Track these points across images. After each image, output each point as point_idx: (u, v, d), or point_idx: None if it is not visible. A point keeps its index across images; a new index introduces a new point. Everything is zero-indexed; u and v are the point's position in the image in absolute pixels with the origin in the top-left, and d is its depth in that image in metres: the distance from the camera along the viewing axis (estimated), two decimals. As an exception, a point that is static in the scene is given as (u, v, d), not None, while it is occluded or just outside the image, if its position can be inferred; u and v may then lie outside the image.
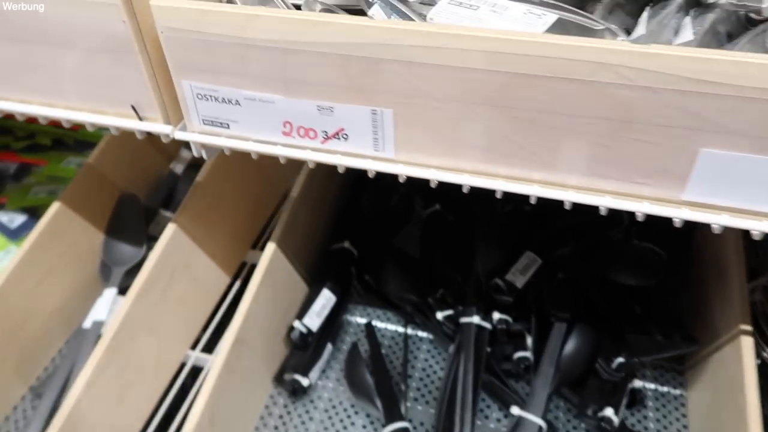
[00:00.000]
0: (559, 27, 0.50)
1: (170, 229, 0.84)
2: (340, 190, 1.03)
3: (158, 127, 0.61)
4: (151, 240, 0.98)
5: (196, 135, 0.61)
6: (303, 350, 0.86)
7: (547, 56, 0.46)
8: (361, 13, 0.58)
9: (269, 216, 1.07)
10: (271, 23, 0.50)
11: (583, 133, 0.49)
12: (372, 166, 0.57)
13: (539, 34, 0.47)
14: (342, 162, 0.57)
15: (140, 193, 1.04)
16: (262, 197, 1.06)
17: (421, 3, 0.56)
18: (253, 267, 0.92)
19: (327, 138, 0.57)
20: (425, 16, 0.55)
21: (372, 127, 0.55)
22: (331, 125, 0.56)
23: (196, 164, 1.04)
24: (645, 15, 0.52)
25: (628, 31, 0.54)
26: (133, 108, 0.61)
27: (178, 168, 1.08)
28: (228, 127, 0.59)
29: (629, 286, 0.81)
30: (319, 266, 0.94)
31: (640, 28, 0.52)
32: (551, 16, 0.50)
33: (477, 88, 0.49)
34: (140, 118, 0.61)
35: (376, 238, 0.97)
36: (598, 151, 0.50)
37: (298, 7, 0.58)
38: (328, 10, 0.57)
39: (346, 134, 0.56)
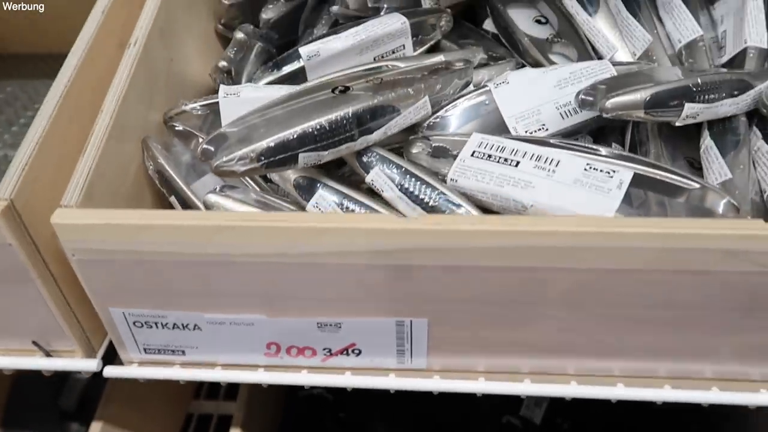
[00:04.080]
0: (639, 186, 0.37)
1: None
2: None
3: (76, 363, 0.43)
4: (66, 420, 0.77)
5: (135, 368, 0.43)
6: None
7: (651, 248, 0.33)
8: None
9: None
10: (242, 236, 0.34)
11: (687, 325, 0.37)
12: (395, 384, 0.42)
13: (637, 221, 0.34)
14: (351, 382, 0.42)
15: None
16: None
17: (433, 157, 0.42)
18: (201, 419, 0.77)
19: (330, 355, 0.41)
20: (444, 175, 0.41)
21: (396, 339, 0.40)
22: (337, 341, 0.40)
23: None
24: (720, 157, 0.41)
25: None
26: (37, 344, 0.42)
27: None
28: (183, 354, 0.42)
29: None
30: (287, 425, 0.77)
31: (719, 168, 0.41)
32: (625, 173, 0.38)
33: (548, 289, 0.36)
34: (47, 354, 0.43)
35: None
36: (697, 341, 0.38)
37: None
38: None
39: (358, 349, 0.41)
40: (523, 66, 0.54)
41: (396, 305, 0.37)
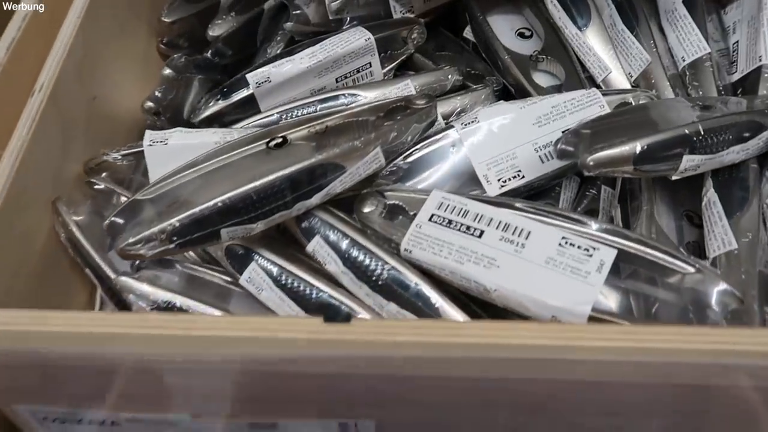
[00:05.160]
0: (626, 263, 0.31)
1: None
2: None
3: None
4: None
5: (57, 458, 0.38)
6: None
7: (628, 362, 0.27)
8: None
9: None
10: (140, 343, 0.28)
11: None
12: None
13: (610, 331, 0.28)
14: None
15: None
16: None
17: (386, 219, 0.36)
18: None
19: (270, 449, 0.36)
20: (397, 243, 0.35)
21: (341, 437, 0.34)
22: (275, 438, 0.35)
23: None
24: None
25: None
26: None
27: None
28: (106, 444, 0.37)
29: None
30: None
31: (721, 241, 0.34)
32: (607, 252, 0.31)
33: (504, 398, 0.30)
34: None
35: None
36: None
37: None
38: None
39: (299, 444, 0.35)
40: (503, 86, 0.48)
41: (336, 407, 0.32)
